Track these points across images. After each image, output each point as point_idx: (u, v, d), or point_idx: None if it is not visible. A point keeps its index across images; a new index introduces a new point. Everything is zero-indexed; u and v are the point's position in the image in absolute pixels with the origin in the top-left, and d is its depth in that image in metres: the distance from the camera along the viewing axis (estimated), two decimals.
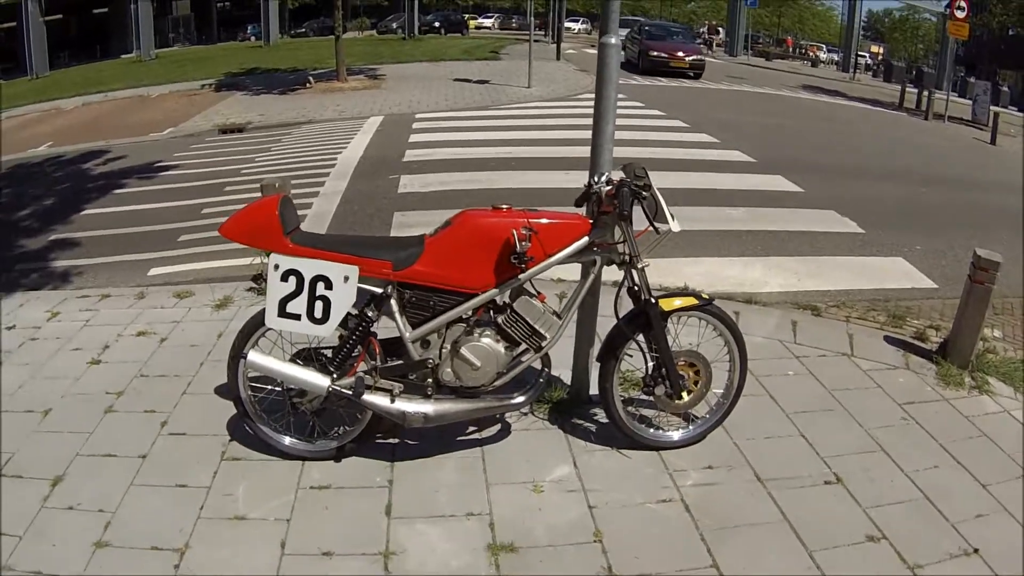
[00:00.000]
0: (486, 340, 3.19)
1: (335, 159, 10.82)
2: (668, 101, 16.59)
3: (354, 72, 22.67)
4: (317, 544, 2.92)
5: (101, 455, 3.51)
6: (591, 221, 3.22)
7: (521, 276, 3.13)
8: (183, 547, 2.90)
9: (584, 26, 55.02)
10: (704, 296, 3.38)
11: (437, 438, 3.51)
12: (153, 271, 6.67)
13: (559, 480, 3.31)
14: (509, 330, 3.19)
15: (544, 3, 39.55)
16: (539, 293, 3.28)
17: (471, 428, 3.64)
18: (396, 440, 3.55)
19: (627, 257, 3.21)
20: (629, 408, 3.56)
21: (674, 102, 16.46)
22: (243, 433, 3.55)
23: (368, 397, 3.19)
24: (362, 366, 3.25)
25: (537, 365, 3.33)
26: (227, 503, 3.14)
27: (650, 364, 3.38)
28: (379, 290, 3.14)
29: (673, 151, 10.67)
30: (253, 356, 3.20)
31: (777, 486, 3.27)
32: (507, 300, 3.24)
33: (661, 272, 5.77)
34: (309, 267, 3.05)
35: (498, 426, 3.66)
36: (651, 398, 3.46)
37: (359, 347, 3.23)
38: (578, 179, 8.48)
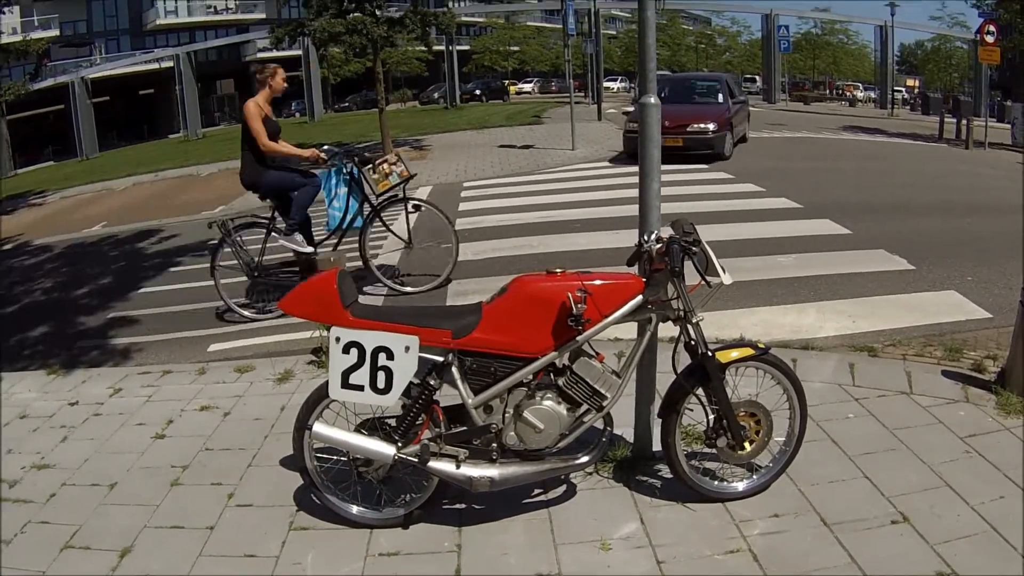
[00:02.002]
0: (548, 403, 3.25)
1: (387, 231, 11.02)
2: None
3: (400, 143, 23.07)
4: None
5: (168, 527, 3.58)
6: (644, 280, 3.29)
7: (579, 338, 3.19)
8: None
9: (622, 84, 55.58)
10: (760, 345, 3.42)
11: (503, 501, 3.54)
12: (213, 347, 6.76)
13: (626, 537, 3.31)
14: (570, 392, 3.25)
15: (581, 65, 40.17)
16: (598, 354, 3.33)
17: (537, 490, 3.67)
18: (463, 505, 3.59)
19: (682, 312, 3.27)
20: (692, 462, 3.58)
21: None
22: (310, 503, 3.61)
23: (434, 464, 3.25)
24: (426, 434, 3.32)
25: (600, 424, 3.38)
26: (296, 572, 3.20)
27: (711, 417, 3.40)
28: (440, 358, 3.22)
29: (719, 203, 10.73)
30: (319, 427, 3.28)
31: (844, 529, 3.25)
32: (566, 362, 3.30)
33: (717, 325, 5.77)
34: (370, 339, 3.13)
35: (564, 487, 3.69)
36: (714, 451, 3.48)
37: (423, 415, 3.30)
38: (627, 238, 8.74)
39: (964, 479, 3.59)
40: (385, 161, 7.39)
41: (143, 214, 16.35)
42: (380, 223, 7.58)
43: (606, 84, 44.06)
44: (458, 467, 3.27)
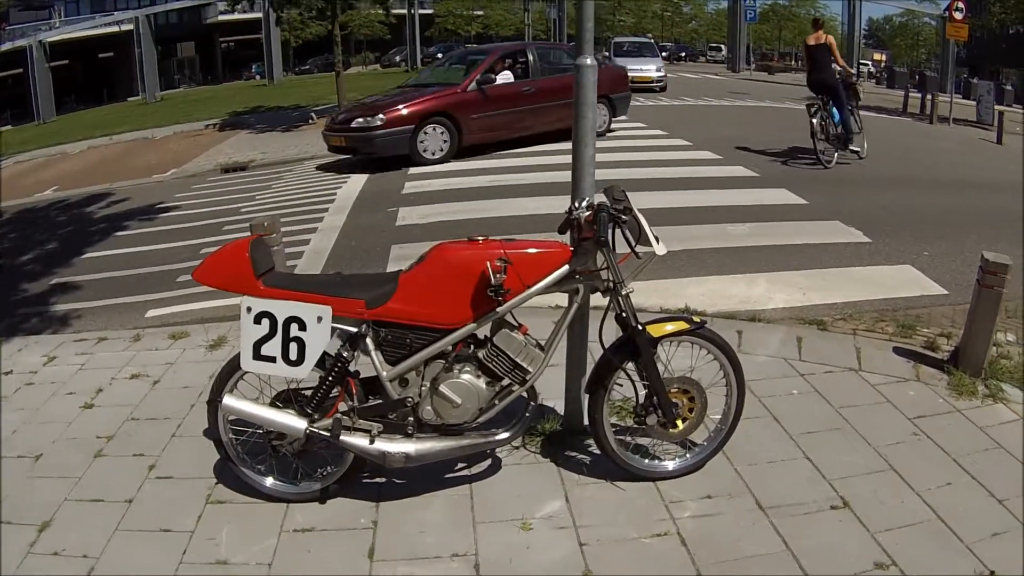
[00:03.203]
0: (466, 376, 3.11)
1: (334, 194, 10.76)
2: (670, 120, 16.51)
3: None
4: None
5: (89, 500, 3.50)
6: (572, 248, 3.12)
7: (499, 309, 3.03)
8: None
9: None
10: (696, 319, 3.26)
11: (424, 476, 3.41)
12: (151, 312, 6.63)
13: (549, 516, 3.18)
14: (490, 365, 3.10)
15: (546, 30, 39.75)
16: (520, 325, 3.18)
17: (460, 465, 3.53)
18: (383, 480, 3.46)
19: (611, 284, 3.10)
20: (623, 438, 3.44)
21: (676, 121, 16.36)
22: (229, 476, 3.49)
23: (346, 438, 3.13)
24: (342, 406, 3.18)
25: (525, 399, 3.23)
26: (210, 548, 3.09)
27: (641, 393, 3.25)
28: (354, 329, 3.09)
29: (676, 170, 10.55)
30: (229, 400, 3.17)
31: (780, 514, 3.11)
32: (487, 334, 3.15)
33: (663, 294, 5.68)
34: (281, 309, 3.01)
35: (488, 461, 3.55)
36: (644, 428, 3.32)
37: (336, 388, 3.17)
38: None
39: (911, 463, 3.46)
40: None
41: (95, 178, 16.05)
42: None
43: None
44: (372, 442, 3.13)
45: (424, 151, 12.10)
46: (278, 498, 3.35)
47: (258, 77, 45.08)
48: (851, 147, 11.34)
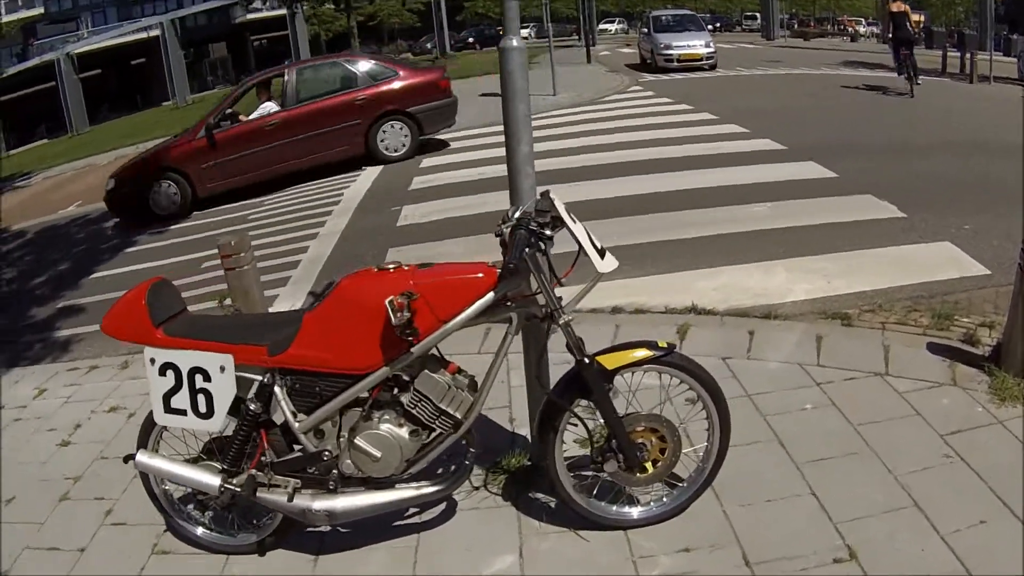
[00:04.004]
0: (385, 427, 2.72)
1: (342, 194, 10.43)
2: (697, 94, 15.74)
3: None
4: None
5: (46, 548, 3.45)
6: (498, 271, 2.61)
7: (413, 350, 2.61)
8: None
9: (621, 26, 54.25)
10: (662, 344, 2.73)
11: (371, 524, 3.04)
12: None
13: (497, 575, 2.78)
14: (414, 411, 2.70)
15: (575, 6, 38.91)
16: (448, 363, 2.76)
17: (412, 509, 3.15)
18: (327, 529, 3.13)
19: (547, 310, 2.65)
20: (588, 479, 2.98)
21: (704, 94, 15.59)
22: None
23: (264, 495, 2.84)
24: (264, 459, 2.88)
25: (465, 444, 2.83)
26: None
27: (598, 435, 2.85)
28: (259, 378, 2.77)
29: (697, 147, 9.93)
30: (141, 457, 2.95)
31: (770, 570, 2.59)
32: (411, 376, 2.74)
33: (669, 291, 5.20)
34: (184, 359, 2.76)
35: (443, 505, 3.16)
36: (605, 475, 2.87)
37: (249, 441, 2.87)
38: (583, 191, 7.99)
39: (938, 496, 2.88)
40: None
41: None
42: None
43: (603, 26, 42.95)
44: (290, 499, 2.81)
45: (156, 206, 11.31)
46: (219, 550, 3.13)
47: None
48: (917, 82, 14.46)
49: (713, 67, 21.89)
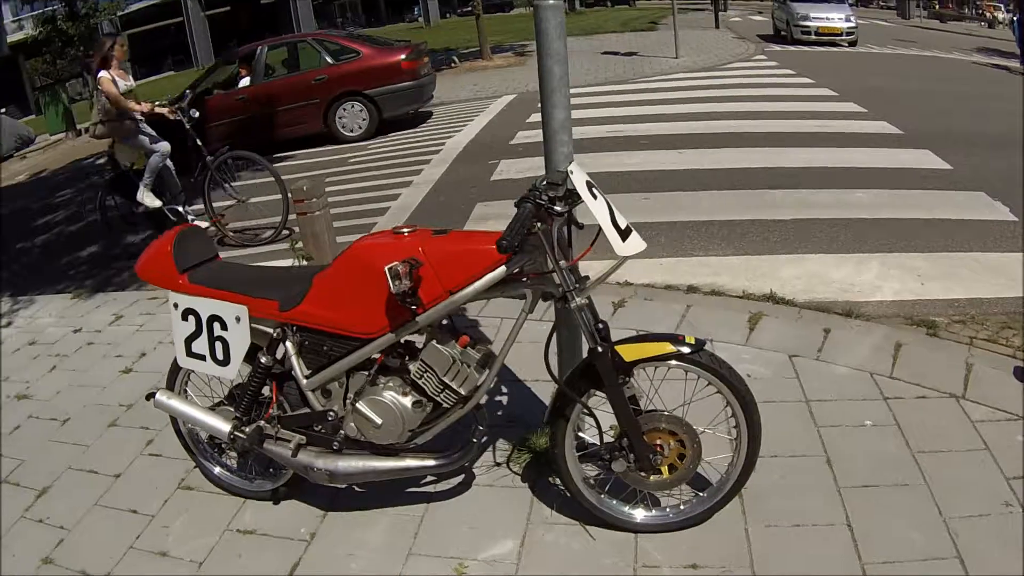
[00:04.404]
0: (389, 394, 2.65)
1: (443, 143, 10.38)
2: (821, 68, 14.74)
3: (502, 49, 22.32)
4: None
5: (87, 471, 3.62)
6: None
7: (418, 319, 2.48)
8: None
9: None
10: (690, 340, 2.47)
11: (385, 488, 3.04)
12: None
13: (492, 560, 2.68)
14: (420, 382, 2.59)
15: None
16: (462, 335, 2.59)
17: (429, 477, 3.11)
18: (343, 486, 3.11)
19: (561, 291, 2.43)
20: (603, 475, 2.81)
21: (827, 69, 14.58)
22: None
23: (271, 447, 2.85)
24: (274, 412, 2.89)
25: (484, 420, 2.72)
26: (160, 536, 3.06)
27: (605, 433, 2.63)
28: (271, 331, 2.76)
29: (810, 123, 9.34)
30: (160, 397, 3.01)
31: None
32: (419, 345, 2.66)
33: (751, 273, 4.95)
34: (204, 306, 2.79)
35: (460, 477, 3.09)
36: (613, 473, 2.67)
37: (261, 392, 2.89)
38: (691, 159, 7.64)
39: (986, 549, 2.50)
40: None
41: None
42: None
43: None
44: (295, 454, 2.81)
45: None
46: (235, 492, 3.21)
47: (420, 19, 45.28)
48: None
49: (853, 43, 20.13)
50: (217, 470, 3.24)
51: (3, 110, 23.60)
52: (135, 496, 3.34)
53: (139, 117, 7.17)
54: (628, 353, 2.42)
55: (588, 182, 2.35)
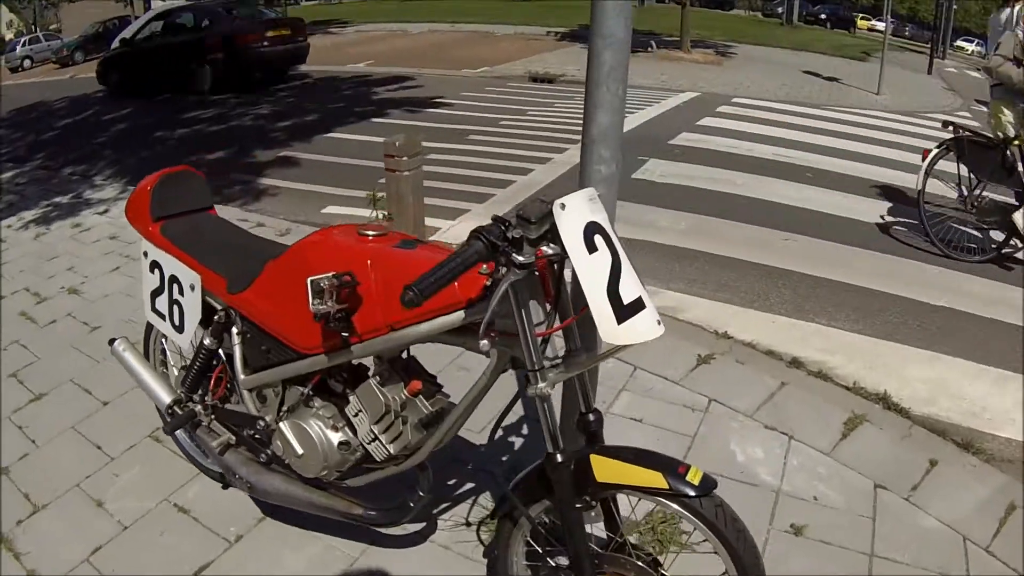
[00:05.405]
0: (316, 423, 2.13)
1: None
2: None
3: (704, 45, 21.53)
4: (117, 567, 2.48)
5: (83, 388, 3.54)
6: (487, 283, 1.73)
7: (353, 349, 1.94)
8: (39, 507, 2.78)
9: (979, 47, 47.83)
10: (694, 477, 1.71)
11: None
12: (327, 209, 6.44)
13: None
14: (354, 420, 2.06)
15: (932, 11, 34.73)
16: (415, 379, 2.03)
17: None
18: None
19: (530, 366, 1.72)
20: None
21: None
22: None
23: (203, 436, 2.51)
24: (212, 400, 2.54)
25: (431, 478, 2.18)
26: (106, 482, 2.90)
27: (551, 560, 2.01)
28: (219, 309, 2.36)
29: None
30: (117, 346, 2.74)
31: None
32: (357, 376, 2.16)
33: (873, 362, 4.08)
34: (167, 264, 2.48)
35: (421, 525, 2.59)
36: None
37: (208, 372, 2.52)
38: (855, 206, 6.71)
39: None
40: None
41: (413, 61, 16.58)
42: None
43: (960, 43, 38.53)
44: (222, 452, 2.45)
45: None
46: (191, 461, 2.93)
47: (635, 1, 44.75)
48: None
49: None
50: (180, 432, 2.92)
51: None
52: (108, 431, 3.19)
53: None
54: (604, 470, 1.75)
55: (593, 226, 1.61)
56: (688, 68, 17.46)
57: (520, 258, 1.58)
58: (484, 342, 1.63)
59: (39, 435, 3.21)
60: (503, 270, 1.61)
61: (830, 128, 10.88)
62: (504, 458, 2.99)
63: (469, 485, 2.78)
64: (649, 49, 20.18)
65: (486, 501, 2.73)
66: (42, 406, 3.43)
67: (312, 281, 1.76)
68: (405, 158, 4.56)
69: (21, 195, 7.30)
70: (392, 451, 1.99)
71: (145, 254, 2.55)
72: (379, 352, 1.97)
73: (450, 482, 2.79)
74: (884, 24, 18.76)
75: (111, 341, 2.78)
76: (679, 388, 3.53)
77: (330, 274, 1.77)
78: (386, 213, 4.73)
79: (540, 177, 7.39)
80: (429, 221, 5.68)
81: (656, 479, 1.71)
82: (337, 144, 8.84)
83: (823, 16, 45.76)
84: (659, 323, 1.61)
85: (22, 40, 35.14)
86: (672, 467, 1.73)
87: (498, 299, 1.58)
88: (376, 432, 1.98)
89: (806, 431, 3.32)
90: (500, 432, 2.12)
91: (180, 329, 2.45)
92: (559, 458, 1.74)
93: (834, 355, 4.15)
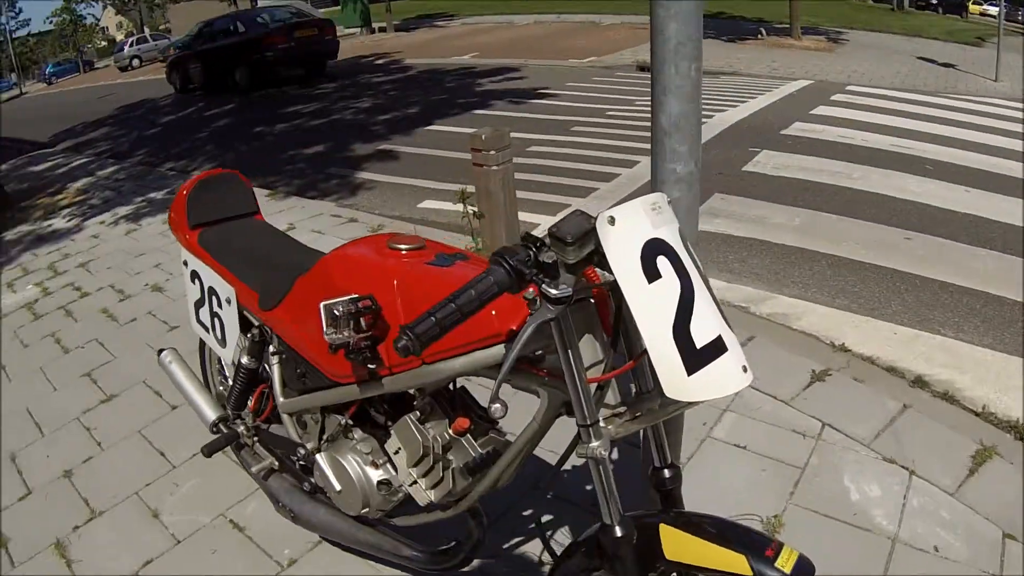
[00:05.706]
0: (354, 458, 1.85)
1: (712, 116, 9.35)
2: None
3: (816, 32, 20.69)
4: None
5: (154, 390, 3.47)
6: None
7: (384, 382, 1.63)
8: (96, 513, 2.71)
9: None
10: (785, 564, 1.30)
11: None
12: (424, 203, 6.26)
13: None
14: (394, 458, 1.77)
15: None
16: (462, 416, 1.66)
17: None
18: None
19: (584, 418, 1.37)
20: None
21: None
22: None
23: (246, 457, 2.33)
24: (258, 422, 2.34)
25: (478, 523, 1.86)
26: (164, 492, 2.80)
27: None
28: (255, 326, 2.14)
29: None
30: (163, 356, 2.57)
31: None
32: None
33: (1007, 383, 3.49)
34: (205, 275, 2.27)
35: (479, 562, 2.28)
36: None
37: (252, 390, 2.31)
38: (981, 203, 6.05)
39: None
40: None
41: (519, 52, 16.32)
42: None
43: None
44: (265, 476, 2.24)
45: None
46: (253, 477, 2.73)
47: None
48: None
49: None
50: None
51: None
52: (174, 437, 3.10)
53: None
54: (674, 546, 1.39)
55: (656, 244, 1.23)
56: (799, 55, 16.63)
57: (552, 291, 1.22)
58: (496, 406, 1.24)
59: (106, 438, 3.16)
60: (538, 301, 1.24)
61: (949, 117, 10.03)
62: (588, 487, 2.63)
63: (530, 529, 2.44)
64: (759, 36, 19.45)
65: (562, 538, 2.40)
66: (113, 408, 3.38)
67: (325, 307, 1.46)
68: (493, 152, 4.27)
69: (119, 191, 7.39)
70: (433, 498, 1.68)
71: (185, 263, 2.36)
72: (412, 387, 1.66)
73: (508, 527, 2.47)
74: (997, 8, 17.53)
75: (159, 352, 2.62)
76: (790, 409, 3.11)
77: (346, 298, 1.48)
78: (475, 210, 4.45)
79: (647, 170, 6.98)
80: (528, 217, 5.41)
81: (738, 563, 1.33)
82: (437, 137, 8.68)
83: (934, 1, 43.64)
84: (745, 369, 1.23)
85: (130, 41, 36.52)
86: (759, 548, 1.35)
87: (523, 343, 1.23)
88: (415, 475, 1.68)
89: (929, 465, 2.81)
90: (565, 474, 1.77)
91: (223, 343, 2.25)
92: (618, 531, 1.40)
93: (963, 373, 3.58)
